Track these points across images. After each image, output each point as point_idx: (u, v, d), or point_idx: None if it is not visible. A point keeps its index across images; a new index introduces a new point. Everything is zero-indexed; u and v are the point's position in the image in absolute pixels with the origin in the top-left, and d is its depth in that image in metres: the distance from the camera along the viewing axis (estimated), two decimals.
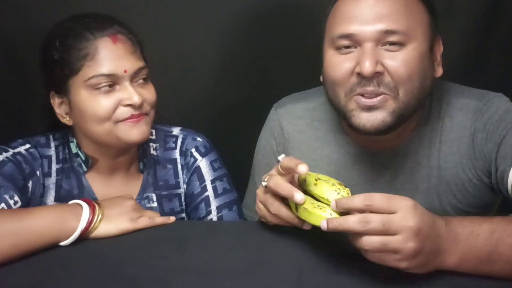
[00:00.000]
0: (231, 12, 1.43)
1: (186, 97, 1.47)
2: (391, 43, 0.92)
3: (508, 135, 0.94)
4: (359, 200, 0.74)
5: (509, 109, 0.98)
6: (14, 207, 0.98)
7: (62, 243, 0.90)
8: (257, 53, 1.48)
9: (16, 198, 0.99)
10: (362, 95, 0.94)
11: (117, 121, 1.01)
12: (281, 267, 0.84)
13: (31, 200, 1.05)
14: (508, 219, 0.78)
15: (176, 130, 1.19)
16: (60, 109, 1.05)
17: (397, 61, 0.92)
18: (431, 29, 0.97)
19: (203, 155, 1.16)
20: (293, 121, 1.14)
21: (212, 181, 1.14)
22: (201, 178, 1.15)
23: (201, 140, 1.17)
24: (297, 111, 1.14)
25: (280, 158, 0.87)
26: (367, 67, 0.91)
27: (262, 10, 1.43)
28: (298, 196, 0.80)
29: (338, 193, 0.80)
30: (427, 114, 1.03)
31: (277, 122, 1.16)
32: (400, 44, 0.92)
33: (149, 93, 1.04)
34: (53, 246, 0.90)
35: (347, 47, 0.94)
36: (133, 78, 1.01)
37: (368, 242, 0.73)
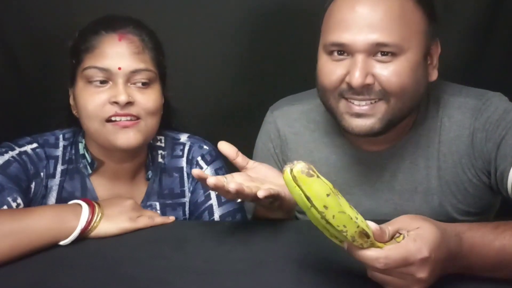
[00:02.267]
0: (232, 15, 1.44)
1: (185, 98, 1.47)
2: (383, 53, 0.91)
3: (508, 135, 0.94)
4: (372, 262, 0.69)
5: (508, 108, 0.98)
6: None
7: (61, 243, 0.90)
8: (258, 56, 1.48)
9: (19, 200, 0.98)
10: (352, 102, 0.94)
11: (105, 120, 0.99)
12: (281, 267, 0.83)
13: (33, 201, 1.05)
14: None
15: (183, 137, 1.18)
16: (72, 101, 1.07)
17: (389, 72, 0.91)
18: (428, 36, 0.95)
19: (208, 163, 1.15)
20: (290, 123, 1.14)
21: None
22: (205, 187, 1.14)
23: (207, 148, 1.17)
24: (293, 113, 1.14)
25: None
26: (357, 79, 0.91)
27: (263, 14, 1.43)
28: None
29: (362, 246, 0.69)
30: (425, 114, 1.03)
31: (273, 124, 1.16)
32: (392, 55, 0.91)
33: (147, 99, 1.01)
34: (53, 246, 0.90)
35: (340, 53, 0.94)
36: (130, 78, 1.00)
37: (370, 275, 0.72)
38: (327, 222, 0.68)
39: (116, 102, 0.98)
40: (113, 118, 0.99)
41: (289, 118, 1.15)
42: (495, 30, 1.43)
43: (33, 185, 1.05)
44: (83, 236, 0.92)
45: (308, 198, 0.68)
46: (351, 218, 0.68)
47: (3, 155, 1.02)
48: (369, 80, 0.92)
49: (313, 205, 0.67)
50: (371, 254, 0.69)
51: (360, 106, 0.94)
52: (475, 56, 1.46)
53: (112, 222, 0.95)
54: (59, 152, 1.09)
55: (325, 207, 0.67)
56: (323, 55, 0.97)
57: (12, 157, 1.02)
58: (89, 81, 0.99)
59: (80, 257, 0.88)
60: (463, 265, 0.75)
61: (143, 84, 1.02)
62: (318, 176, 0.69)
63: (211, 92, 1.52)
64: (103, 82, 0.99)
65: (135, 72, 1.00)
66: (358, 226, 0.68)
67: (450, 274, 0.76)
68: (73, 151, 1.10)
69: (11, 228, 0.86)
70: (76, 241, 0.91)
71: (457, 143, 1.01)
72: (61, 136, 1.11)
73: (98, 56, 0.99)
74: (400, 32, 0.91)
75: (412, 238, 0.69)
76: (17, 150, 1.04)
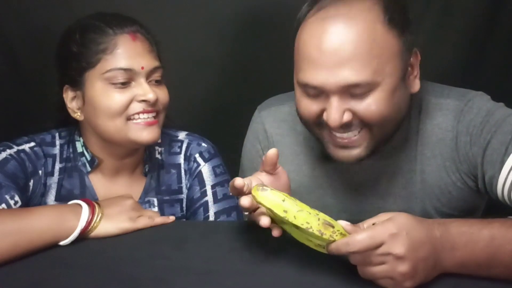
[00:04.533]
0: (224, 15, 1.44)
1: (184, 98, 1.47)
2: (356, 93, 0.88)
3: (493, 139, 0.92)
4: (344, 248, 0.73)
5: (491, 109, 0.95)
6: (14, 207, 0.98)
7: (61, 243, 0.90)
8: (256, 54, 1.48)
9: (17, 198, 0.98)
10: (335, 134, 0.93)
11: (129, 118, 1.01)
12: (281, 267, 0.84)
13: (31, 199, 1.05)
14: (509, 223, 0.77)
15: (181, 135, 1.19)
16: (72, 104, 1.06)
17: (365, 106, 0.88)
18: (404, 54, 0.91)
19: (206, 160, 1.16)
20: (277, 124, 1.13)
21: (213, 186, 1.14)
22: (202, 183, 1.14)
23: (206, 145, 1.17)
24: (281, 114, 1.13)
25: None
26: (333, 120, 0.88)
27: (261, 13, 1.44)
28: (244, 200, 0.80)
29: (333, 239, 0.75)
30: (407, 118, 1.00)
31: (261, 125, 1.14)
32: (366, 92, 0.88)
33: (163, 95, 1.05)
34: (53, 246, 0.90)
35: (314, 91, 0.91)
36: (148, 76, 1.03)
37: (360, 271, 0.76)
38: (294, 226, 0.76)
39: (144, 100, 1.00)
40: (140, 116, 1.01)
41: (276, 118, 1.13)
42: (495, 30, 1.43)
43: (31, 183, 1.05)
44: (83, 236, 0.92)
45: (271, 211, 0.77)
46: (310, 213, 0.75)
47: (0, 153, 1.02)
48: (346, 117, 0.89)
49: (275, 214, 0.76)
50: (341, 241, 0.74)
51: (342, 139, 0.92)
52: (474, 56, 1.46)
53: (112, 222, 0.95)
54: (56, 150, 1.10)
55: (285, 211, 0.75)
56: (298, 89, 0.94)
57: (10, 155, 1.03)
58: (112, 82, 1.00)
59: (80, 257, 0.88)
60: (455, 258, 0.75)
61: (157, 81, 1.05)
62: (271, 189, 0.77)
63: (204, 91, 1.53)
64: (125, 81, 1.00)
65: (153, 70, 1.03)
66: (319, 219, 0.74)
67: (448, 275, 0.77)
68: (70, 150, 1.10)
69: (11, 228, 0.87)
70: (76, 241, 0.91)
71: (440, 146, 1.00)
72: (57, 135, 1.11)
73: (118, 57, 1.00)
74: (372, 67, 0.86)
75: (380, 223, 0.74)
76: (15, 148, 1.05)
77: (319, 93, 0.90)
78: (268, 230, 0.93)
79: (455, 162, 0.99)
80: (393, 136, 0.99)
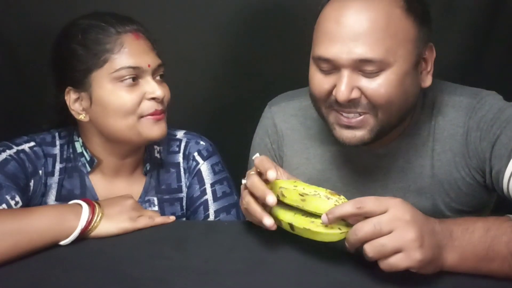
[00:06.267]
0: (231, 13, 1.44)
1: (184, 97, 1.47)
2: (368, 71, 0.90)
3: (502, 135, 0.94)
4: (349, 205, 0.76)
5: (502, 107, 0.97)
6: (14, 207, 0.98)
7: (62, 243, 0.90)
8: (256, 53, 1.48)
9: (17, 198, 0.98)
10: (341, 113, 0.94)
11: (141, 116, 1.02)
12: (281, 267, 0.84)
13: (32, 199, 1.05)
14: (503, 218, 0.79)
15: (180, 134, 1.19)
16: (75, 105, 1.05)
17: (375, 86, 0.90)
18: (419, 43, 0.92)
19: (205, 158, 1.16)
20: (287, 119, 1.15)
21: (212, 185, 1.14)
22: (201, 182, 1.15)
23: (204, 143, 1.18)
24: (291, 109, 1.15)
25: (254, 157, 0.89)
26: (342, 93, 0.90)
27: (261, 12, 1.44)
28: (270, 198, 0.81)
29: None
30: (420, 113, 1.03)
31: (271, 120, 1.16)
32: (378, 69, 0.90)
33: (167, 91, 1.06)
34: (53, 246, 0.90)
35: (327, 66, 0.93)
36: (154, 73, 1.04)
37: (368, 248, 0.74)
38: (302, 197, 0.82)
39: (153, 98, 1.02)
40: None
41: (286, 113, 1.15)
42: (494, 30, 1.43)
43: (31, 183, 1.05)
44: (83, 236, 0.92)
45: (282, 189, 0.84)
46: (318, 186, 0.84)
47: (0, 154, 1.02)
48: (354, 94, 0.91)
49: (286, 189, 0.84)
50: (348, 202, 0.77)
51: (348, 118, 0.94)
52: (475, 55, 1.46)
53: (112, 222, 0.95)
54: (56, 150, 1.10)
55: (295, 186, 0.85)
56: (312, 65, 0.97)
57: (10, 155, 1.03)
58: (121, 81, 1.00)
59: (80, 257, 0.88)
60: (455, 248, 0.76)
61: (161, 77, 1.06)
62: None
63: (203, 90, 1.53)
64: (133, 79, 1.01)
65: (158, 67, 1.04)
66: (326, 190, 0.83)
67: (448, 274, 0.77)
68: (70, 150, 1.11)
69: (11, 228, 0.87)
70: (76, 241, 0.91)
71: (451, 142, 1.01)
72: (57, 135, 1.12)
73: (125, 56, 1.00)
74: (385, 45, 0.88)
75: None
76: (15, 148, 1.04)
77: (332, 68, 0.92)
78: (268, 230, 0.93)
79: (464, 158, 1.00)
80: (399, 126, 1.00)
